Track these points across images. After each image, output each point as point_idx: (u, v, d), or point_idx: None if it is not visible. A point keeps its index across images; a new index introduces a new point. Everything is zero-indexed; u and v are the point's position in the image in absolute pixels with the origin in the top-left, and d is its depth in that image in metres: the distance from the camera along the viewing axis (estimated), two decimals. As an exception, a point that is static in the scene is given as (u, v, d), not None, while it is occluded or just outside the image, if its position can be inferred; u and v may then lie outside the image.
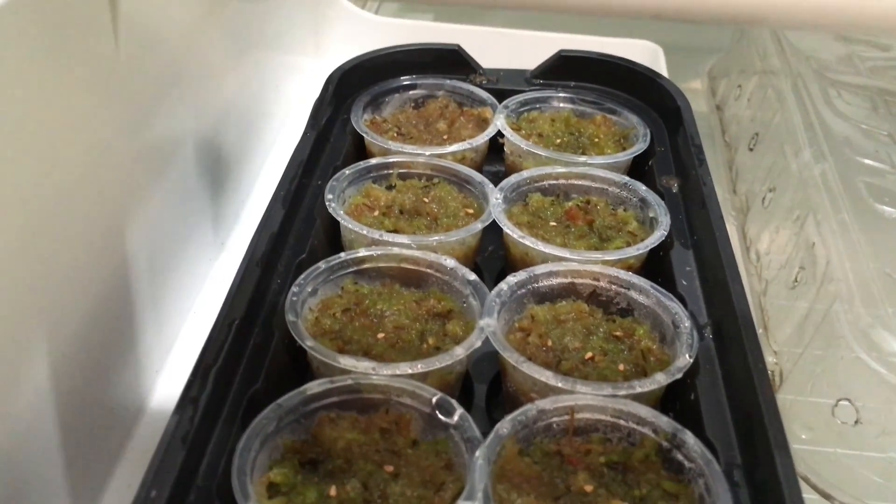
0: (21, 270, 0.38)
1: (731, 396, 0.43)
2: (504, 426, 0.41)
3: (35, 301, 0.40)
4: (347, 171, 0.57)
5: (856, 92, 0.74)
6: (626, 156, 0.60)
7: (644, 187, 0.57)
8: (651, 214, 0.55)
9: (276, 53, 0.78)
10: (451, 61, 0.69)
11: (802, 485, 0.54)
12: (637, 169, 0.61)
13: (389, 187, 0.59)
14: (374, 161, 0.59)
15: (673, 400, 0.45)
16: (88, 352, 0.45)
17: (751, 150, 0.78)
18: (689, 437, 0.40)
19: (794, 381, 0.57)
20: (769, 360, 0.60)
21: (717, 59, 0.97)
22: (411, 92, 0.68)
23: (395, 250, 0.51)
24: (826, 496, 0.53)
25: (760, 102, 0.80)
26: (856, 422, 0.51)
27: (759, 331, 0.63)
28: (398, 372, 0.43)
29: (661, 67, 0.80)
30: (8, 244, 0.37)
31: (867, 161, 0.64)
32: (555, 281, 0.50)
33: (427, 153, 0.60)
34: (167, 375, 0.55)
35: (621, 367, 0.46)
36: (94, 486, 0.47)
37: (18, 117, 0.36)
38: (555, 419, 0.42)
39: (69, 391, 0.43)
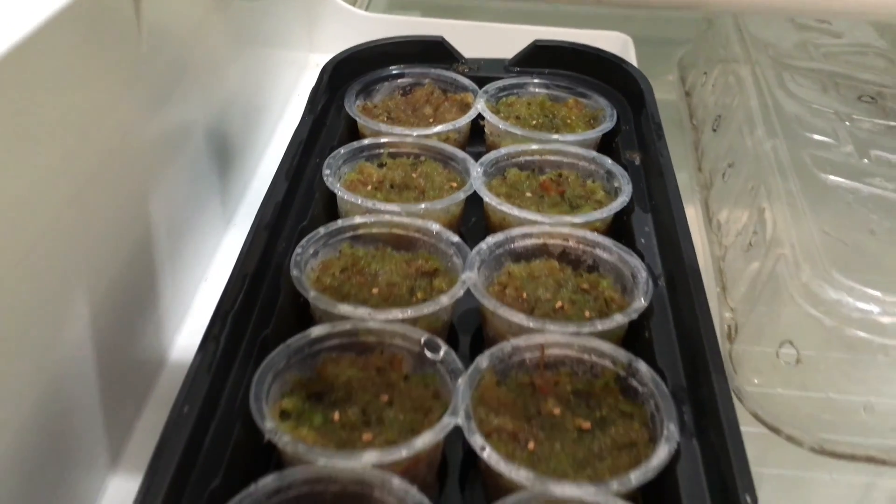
0: (62, 236, 0.44)
1: (679, 333, 0.49)
2: (483, 360, 0.47)
3: (73, 264, 0.45)
4: (342, 151, 0.64)
5: (808, 76, 0.81)
6: (594, 133, 0.67)
7: (610, 161, 0.63)
8: (616, 184, 0.62)
9: (274, 48, 0.84)
10: (436, 52, 0.75)
11: (753, 420, 0.61)
12: (605, 145, 0.67)
13: (381, 165, 0.65)
14: (366, 141, 0.65)
15: (632, 340, 0.51)
16: (117, 310, 0.51)
17: (714, 131, 0.84)
18: (643, 366, 0.47)
19: (746, 333, 0.63)
20: (726, 315, 0.67)
21: (686, 50, 1.04)
22: (399, 80, 0.74)
23: (387, 217, 0.57)
24: (774, 430, 0.59)
25: (723, 88, 0.87)
26: (797, 361, 0.57)
27: (718, 290, 0.70)
28: (390, 317, 0.49)
29: (631, 56, 0.86)
30: (53, 212, 0.43)
31: (814, 136, 0.71)
32: (529, 242, 0.57)
33: (414, 134, 0.66)
34: (184, 335, 0.61)
35: (587, 313, 0.53)
36: (123, 427, 0.53)
37: (64, 101, 0.43)
38: (528, 355, 0.49)
39: (101, 344, 0.49)
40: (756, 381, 0.61)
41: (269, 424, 0.42)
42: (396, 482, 0.40)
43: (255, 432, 0.41)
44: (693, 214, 0.78)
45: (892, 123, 0.73)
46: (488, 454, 0.42)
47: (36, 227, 0.41)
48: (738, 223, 0.71)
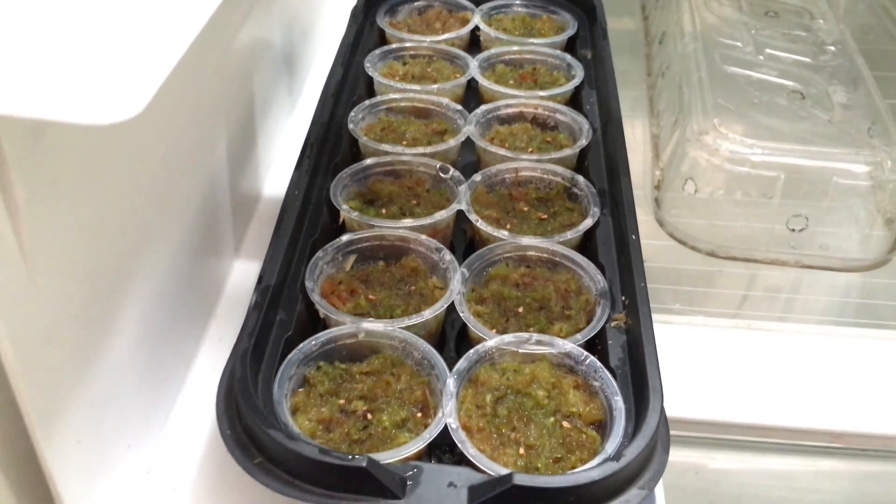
0: (158, 181, 0.57)
1: (606, 159, 0.74)
2: (477, 176, 0.72)
3: (162, 204, 0.58)
4: (377, 52, 0.88)
5: (730, -2, 1.05)
6: (559, 38, 0.91)
7: (570, 57, 0.88)
8: (573, 73, 0.86)
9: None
10: (443, -18, 0.99)
11: (670, 238, 0.86)
12: (568, 47, 0.92)
13: (404, 63, 0.90)
14: (394, 45, 0.90)
15: (578, 166, 0.76)
16: (193, 240, 0.65)
17: (660, 43, 1.09)
18: (581, 179, 0.72)
19: (667, 182, 0.88)
20: (656, 173, 0.92)
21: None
22: (416, 3, 0.99)
23: (411, 94, 0.82)
24: (682, 243, 0.85)
25: (667, 12, 1.10)
26: (695, 191, 0.82)
27: (651, 156, 0.95)
28: (417, 152, 0.74)
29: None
30: (156, 163, 0.56)
31: (725, 41, 0.95)
32: (510, 110, 0.82)
33: (428, 40, 0.91)
34: (241, 259, 0.83)
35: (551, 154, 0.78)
36: (196, 335, 0.68)
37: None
38: (507, 175, 0.74)
39: (181, 268, 0.62)
40: (673, 212, 0.87)
41: (344, 206, 0.68)
42: (423, 238, 0.66)
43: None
44: (643, 106, 1.03)
45: (785, 31, 0.97)
46: (479, 222, 0.67)
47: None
48: (668, 108, 0.96)
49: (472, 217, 0.68)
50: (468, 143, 0.77)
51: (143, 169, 0.53)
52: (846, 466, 0.74)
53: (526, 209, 0.72)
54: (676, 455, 0.79)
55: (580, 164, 0.76)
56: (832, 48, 0.94)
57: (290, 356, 0.56)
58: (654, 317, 0.58)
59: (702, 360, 0.74)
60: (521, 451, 0.53)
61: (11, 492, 0.47)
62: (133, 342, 0.54)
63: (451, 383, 0.54)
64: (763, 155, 0.80)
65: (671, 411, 0.69)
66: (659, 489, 0.55)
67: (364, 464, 0.47)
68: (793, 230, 0.81)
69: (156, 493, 0.57)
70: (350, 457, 0.47)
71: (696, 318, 0.78)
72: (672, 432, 0.76)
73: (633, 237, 0.64)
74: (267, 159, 0.85)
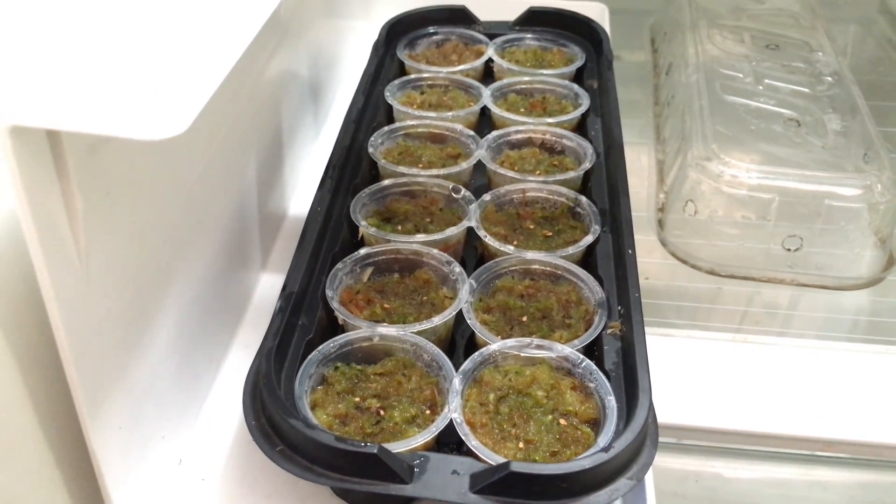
0: (195, 198, 0.63)
1: (608, 182, 0.79)
2: (486, 196, 0.78)
3: (198, 219, 0.64)
4: (396, 82, 0.95)
5: (732, 31, 1.10)
6: (568, 70, 0.97)
7: (577, 87, 0.93)
8: (580, 101, 0.92)
9: (341, 19, 1.15)
10: (460, 16, 1.06)
11: (672, 256, 0.91)
12: (576, 77, 0.97)
13: (422, 92, 0.96)
14: (412, 76, 0.96)
15: (582, 187, 0.82)
16: (224, 252, 0.75)
17: (666, 74, 1.14)
18: (584, 200, 0.77)
19: (671, 204, 0.93)
20: (660, 196, 0.97)
21: (655, 18, 1.33)
22: (434, 37, 1.05)
23: (428, 121, 0.88)
24: (683, 261, 0.89)
25: (674, 44, 1.16)
26: (695, 213, 0.87)
27: (656, 181, 1.00)
28: (432, 173, 0.80)
29: (606, 20, 1.16)
30: (193, 181, 0.64)
31: (726, 71, 1.00)
32: (520, 136, 0.87)
33: (445, 71, 0.97)
34: (268, 272, 0.89)
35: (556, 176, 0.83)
36: (225, 341, 0.73)
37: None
38: (515, 195, 0.79)
39: (213, 278, 0.68)
40: (675, 232, 0.92)
41: (363, 222, 0.73)
42: (436, 252, 0.71)
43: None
44: (650, 133, 1.09)
45: (785, 63, 1.02)
46: (487, 238, 0.72)
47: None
48: (673, 134, 1.01)
49: (481, 233, 0.73)
50: (480, 167, 0.82)
51: (183, 186, 0.60)
52: (839, 475, 0.78)
53: (532, 227, 0.77)
54: (677, 462, 0.83)
55: (584, 185, 0.82)
56: (829, 79, 0.99)
57: (310, 356, 0.61)
58: (656, 330, 0.62)
59: (700, 371, 0.78)
60: (521, 444, 0.57)
61: (60, 471, 0.52)
62: (169, 343, 0.60)
63: (456, 382, 0.59)
64: (760, 179, 0.85)
65: (669, 418, 0.73)
66: (648, 482, 0.59)
67: (375, 451, 0.52)
68: (788, 250, 0.85)
69: (187, 482, 0.63)
70: (363, 444, 0.52)
71: (696, 332, 0.82)
72: (671, 440, 0.80)
73: (630, 252, 0.68)
74: (293, 181, 0.92)
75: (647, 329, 0.62)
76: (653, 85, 1.19)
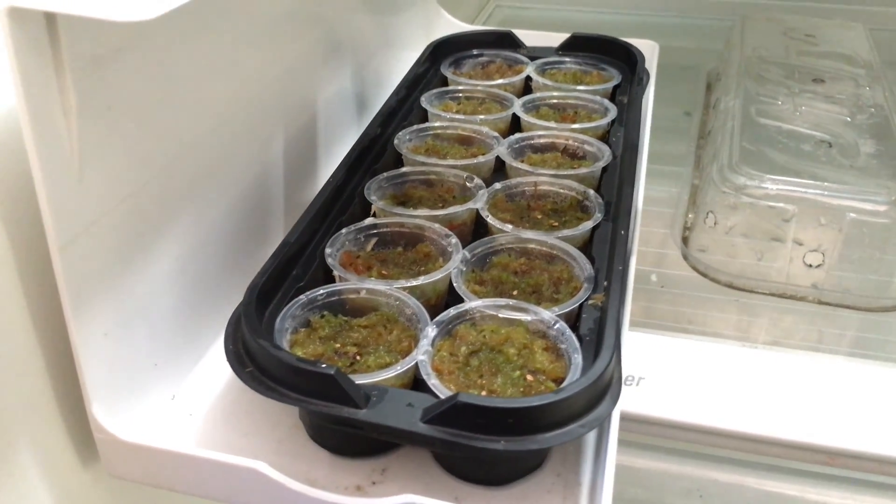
0: (209, 148, 0.79)
1: (619, 179, 0.80)
2: (496, 185, 0.80)
3: (212, 168, 0.70)
4: (434, 91, 0.99)
5: (781, 66, 1.10)
6: (602, 87, 1.00)
7: (608, 101, 0.96)
8: (609, 114, 0.94)
9: (398, 50, 1.22)
10: (506, 41, 1.10)
11: (694, 270, 0.90)
12: (613, 96, 1.00)
13: (459, 103, 1.00)
14: (450, 87, 1.01)
15: (597, 185, 0.83)
16: (239, 215, 0.84)
17: (713, 108, 1.15)
18: (592, 193, 0.78)
19: (696, 222, 0.93)
20: (689, 216, 0.97)
21: (714, 64, 1.35)
22: (479, 58, 1.10)
23: (457, 123, 0.92)
24: (704, 275, 0.89)
25: (724, 81, 1.17)
26: (714, 223, 0.87)
27: (688, 201, 1.00)
28: (450, 163, 0.83)
29: (655, 56, 1.18)
30: (206, 126, 0.79)
31: (763, 97, 1.00)
32: (543, 140, 0.90)
33: (483, 84, 1.01)
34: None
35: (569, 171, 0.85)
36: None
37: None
38: (526, 188, 0.81)
39: (226, 231, 0.72)
40: (698, 248, 0.91)
41: (373, 196, 0.77)
42: (437, 226, 0.74)
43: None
44: (689, 162, 1.09)
45: (829, 95, 1.01)
46: (489, 218, 0.75)
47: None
48: (709, 155, 1.01)
49: (484, 213, 0.75)
50: (501, 167, 0.85)
51: (192, 130, 0.65)
52: (840, 493, 0.74)
53: (539, 217, 0.79)
54: (680, 470, 0.81)
55: (599, 184, 0.83)
56: (872, 110, 0.97)
57: (297, 298, 0.64)
58: (670, 336, 0.62)
59: (709, 375, 0.77)
60: (483, 393, 0.58)
61: (46, 365, 0.57)
62: (172, 274, 0.64)
63: (429, 329, 0.61)
64: (779, 188, 0.84)
65: (679, 417, 0.72)
66: (611, 447, 0.58)
67: (332, 372, 0.54)
68: (810, 266, 0.83)
69: (174, 415, 0.66)
70: (322, 365, 0.54)
71: (706, 338, 0.81)
72: (675, 445, 0.78)
73: (622, 232, 0.69)
74: (326, 172, 0.97)
75: (653, 332, 0.62)
76: (701, 119, 1.19)
